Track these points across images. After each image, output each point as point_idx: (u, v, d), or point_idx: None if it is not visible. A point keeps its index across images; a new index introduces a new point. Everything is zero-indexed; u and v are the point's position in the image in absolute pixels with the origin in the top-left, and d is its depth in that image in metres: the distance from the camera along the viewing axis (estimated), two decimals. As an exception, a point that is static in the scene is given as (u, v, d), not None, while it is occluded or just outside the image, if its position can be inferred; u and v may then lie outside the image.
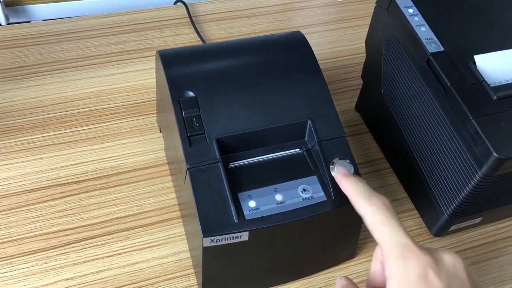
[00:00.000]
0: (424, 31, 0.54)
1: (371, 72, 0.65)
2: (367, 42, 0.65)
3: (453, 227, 0.57)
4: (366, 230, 0.59)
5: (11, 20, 0.80)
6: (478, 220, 0.58)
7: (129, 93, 0.69)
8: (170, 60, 0.52)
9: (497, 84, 0.52)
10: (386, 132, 0.65)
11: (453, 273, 0.36)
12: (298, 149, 0.51)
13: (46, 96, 0.67)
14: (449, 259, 0.36)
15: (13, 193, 0.58)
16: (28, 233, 0.55)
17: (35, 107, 0.66)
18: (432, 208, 0.57)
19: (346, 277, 0.42)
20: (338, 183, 0.46)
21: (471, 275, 0.37)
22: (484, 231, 0.61)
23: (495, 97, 0.49)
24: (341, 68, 0.76)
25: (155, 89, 0.61)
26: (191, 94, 0.50)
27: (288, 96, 0.52)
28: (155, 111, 0.66)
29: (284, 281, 0.54)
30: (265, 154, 0.51)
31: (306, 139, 0.52)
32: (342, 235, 0.53)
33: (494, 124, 0.48)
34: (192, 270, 0.54)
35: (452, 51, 0.53)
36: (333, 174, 0.48)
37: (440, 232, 0.58)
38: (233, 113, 0.50)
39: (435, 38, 0.54)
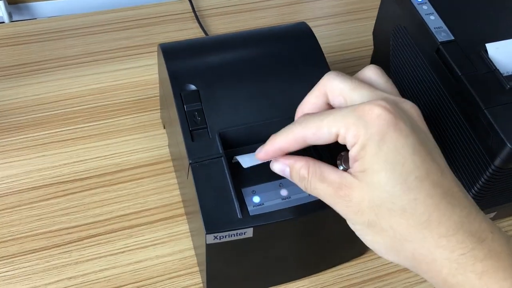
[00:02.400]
0: (433, 20, 0.52)
1: (379, 64, 0.63)
2: (375, 33, 0.63)
3: (465, 223, 0.55)
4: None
5: (14, 18, 0.79)
6: (492, 215, 0.56)
7: (133, 89, 0.68)
8: (171, 53, 0.51)
9: (510, 73, 0.50)
10: (395, 125, 0.63)
11: (412, 119, 0.34)
12: (304, 143, 0.50)
13: (49, 93, 0.67)
14: (407, 105, 0.34)
15: (16, 191, 0.57)
16: (30, 231, 0.54)
17: (38, 104, 0.65)
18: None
19: (285, 156, 0.39)
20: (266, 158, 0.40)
21: (426, 122, 0.35)
22: (499, 227, 0.59)
23: (508, 86, 0.48)
24: (349, 61, 0.74)
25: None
26: (193, 87, 0.49)
27: (293, 88, 0.51)
28: (159, 107, 0.65)
29: (291, 279, 0.52)
30: (270, 149, 0.49)
31: (312, 132, 0.50)
32: (350, 231, 0.51)
33: (508, 114, 0.46)
34: (197, 268, 0.53)
35: (463, 39, 0.51)
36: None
37: (452, 227, 0.56)
38: (236, 107, 0.49)
39: (444, 27, 0.52)
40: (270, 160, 0.48)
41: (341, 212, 0.35)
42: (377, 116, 0.32)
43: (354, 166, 0.33)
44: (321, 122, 0.34)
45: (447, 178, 0.33)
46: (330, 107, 0.38)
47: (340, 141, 0.34)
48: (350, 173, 0.34)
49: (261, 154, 0.39)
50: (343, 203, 0.34)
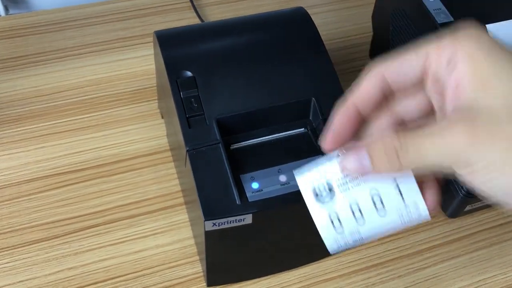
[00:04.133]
0: (432, 2, 0.52)
1: (379, 49, 0.63)
2: (374, 17, 0.63)
3: (468, 207, 0.55)
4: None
5: (11, 12, 0.78)
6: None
7: (131, 80, 0.68)
8: (167, 40, 0.50)
9: None
10: (396, 111, 0.62)
11: None
12: (303, 129, 0.49)
13: (46, 85, 0.66)
14: None
15: (14, 183, 0.57)
16: (29, 223, 0.54)
17: (35, 96, 0.65)
18: (446, 188, 0.55)
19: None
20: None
21: None
22: (502, 211, 0.58)
23: (510, 67, 0.47)
24: (348, 48, 0.74)
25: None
26: (189, 74, 0.48)
27: (291, 73, 0.50)
28: (157, 97, 0.65)
29: (292, 266, 0.52)
30: (268, 135, 0.49)
31: (310, 117, 0.50)
32: (351, 217, 0.51)
33: (509, 95, 0.45)
34: (197, 257, 0.52)
35: (462, 20, 0.50)
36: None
37: (455, 212, 0.56)
38: (233, 93, 0.49)
39: (443, 8, 0.51)
40: (268, 146, 0.48)
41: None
42: (470, 31, 0.29)
43: (463, 83, 0.28)
44: (405, 53, 0.30)
45: None
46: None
47: (429, 64, 0.29)
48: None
49: (328, 135, 0.31)
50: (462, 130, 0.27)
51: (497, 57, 0.28)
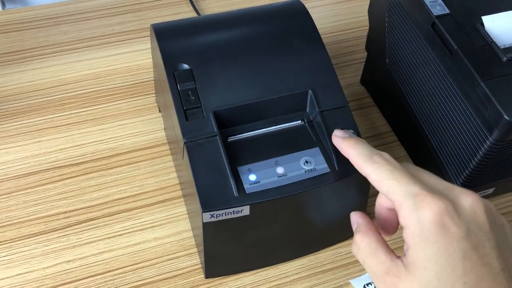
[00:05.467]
0: (428, -6, 0.52)
1: (375, 43, 0.63)
2: (370, 10, 0.63)
3: (464, 199, 0.55)
4: (374, 205, 0.57)
5: (8, 7, 0.78)
6: (490, 190, 0.56)
7: (128, 74, 0.68)
8: (164, 33, 0.50)
9: (507, 46, 0.49)
10: (392, 103, 0.62)
11: (471, 218, 0.33)
12: (300, 121, 0.50)
13: (43, 79, 0.66)
14: (468, 202, 0.34)
15: (12, 177, 0.57)
16: (27, 216, 0.54)
17: (32, 91, 0.65)
18: (442, 177, 0.55)
19: (362, 213, 0.40)
20: (337, 146, 0.44)
21: (493, 217, 0.34)
22: (497, 203, 0.58)
23: (505, 58, 0.47)
24: (344, 42, 0.74)
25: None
26: (186, 66, 0.49)
27: (288, 66, 0.50)
28: (154, 91, 0.65)
29: (290, 258, 0.52)
30: (266, 127, 0.49)
31: (307, 110, 0.50)
32: (348, 208, 0.51)
33: (505, 86, 0.46)
34: (195, 249, 0.53)
35: (458, 12, 0.50)
36: (332, 139, 0.45)
37: (451, 204, 0.56)
38: (230, 85, 0.49)
39: (440, 0, 0.51)
40: (266, 138, 0.48)
41: None
42: (432, 218, 0.32)
43: (407, 254, 0.34)
44: (388, 181, 0.36)
45: (501, 283, 0.32)
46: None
47: (402, 214, 0.35)
48: (402, 261, 0.34)
49: (346, 141, 0.42)
50: None
51: (438, 237, 0.32)
